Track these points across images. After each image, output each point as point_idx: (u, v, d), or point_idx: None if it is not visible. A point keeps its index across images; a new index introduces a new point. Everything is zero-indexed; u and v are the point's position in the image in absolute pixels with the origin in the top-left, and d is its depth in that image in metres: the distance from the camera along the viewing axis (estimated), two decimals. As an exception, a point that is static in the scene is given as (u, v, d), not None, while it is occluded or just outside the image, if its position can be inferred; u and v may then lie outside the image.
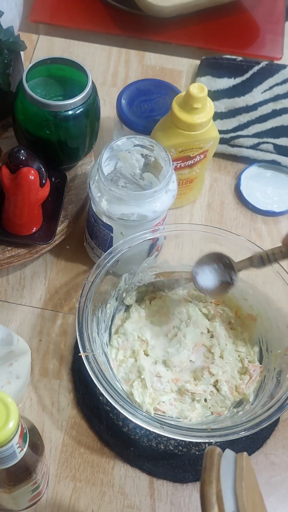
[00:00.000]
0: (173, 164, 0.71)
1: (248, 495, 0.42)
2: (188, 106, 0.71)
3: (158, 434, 0.61)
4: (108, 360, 0.68)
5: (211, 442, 0.65)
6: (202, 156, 0.77)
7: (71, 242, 0.81)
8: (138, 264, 0.73)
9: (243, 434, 0.59)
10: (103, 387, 0.60)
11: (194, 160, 0.77)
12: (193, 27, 1.08)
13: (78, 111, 0.70)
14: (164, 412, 0.67)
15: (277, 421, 0.70)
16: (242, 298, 0.74)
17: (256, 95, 0.96)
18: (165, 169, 0.69)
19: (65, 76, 0.74)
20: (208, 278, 0.68)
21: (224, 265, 0.67)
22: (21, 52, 0.80)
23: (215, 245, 0.72)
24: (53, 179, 0.75)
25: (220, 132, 0.83)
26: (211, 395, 0.68)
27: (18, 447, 0.48)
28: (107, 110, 0.91)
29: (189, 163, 0.78)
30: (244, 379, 0.69)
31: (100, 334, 0.68)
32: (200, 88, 0.70)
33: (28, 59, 0.99)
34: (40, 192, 0.69)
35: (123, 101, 0.81)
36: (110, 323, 0.72)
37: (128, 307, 0.74)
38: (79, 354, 0.63)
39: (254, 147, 0.90)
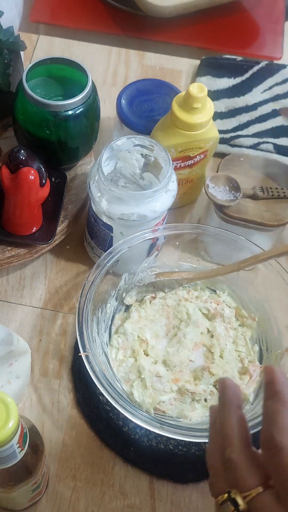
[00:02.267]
0: (173, 164, 0.71)
1: None
2: (188, 106, 0.71)
3: (158, 434, 0.61)
4: (108, 360, 0.68)
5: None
6: (202, 156, 0.77)
7: (71, 242, 0.81)
8: (138, 264, 0.73)
9: (243, 434, 0.59)
10: (103, 387, 0.60)
11: (194, 160, 0.77)
12: (193, 27, 1.08)
13: (78, 111, 0.70)
14: (164, 412, 0.67)
15: (277, 421, 0.70)
16: (242, 298, 0.74)
17: (256, 95, 0.96)
18: (165, 169, 0.69)
19: (65, 76, 0.74)
20: (217, 191, 0.75)
21: (230, 187, 0.75)
22: (21, 52, 0.80)
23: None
24: (53, 179, 0.75)
25: (220, 132, 0.83)
26: (211, 395, 0.68)
27: (18, 447, 0.48)
28: (107, 110, 0.90)
29: (189, 163, 0.77)
30: (244, 379, 0.69)
31: (100, 334, 0.68)
32: (200, 88, 0.70)
33: (28, 59, 0.99)
34: (40, 192, 0.69)
35: (123, 101, 0.81)
36: (110, 323, 0.72)
37: (128, 307, 0.74)
38: (79, 354, 0.63)
39: (254, 147, 0.90)
